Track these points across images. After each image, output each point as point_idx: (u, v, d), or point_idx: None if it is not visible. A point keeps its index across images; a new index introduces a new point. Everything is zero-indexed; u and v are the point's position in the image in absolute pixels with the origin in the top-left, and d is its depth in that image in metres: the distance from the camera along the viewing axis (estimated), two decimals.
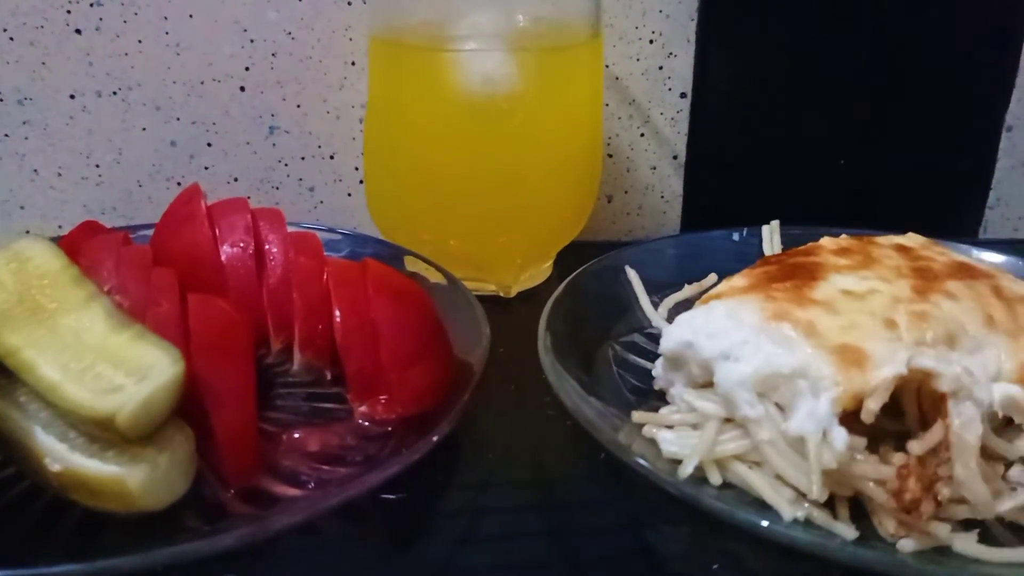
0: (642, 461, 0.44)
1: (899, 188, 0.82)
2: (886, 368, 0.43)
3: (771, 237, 0.68)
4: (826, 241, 0.58)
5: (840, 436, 0.42)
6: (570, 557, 0.45)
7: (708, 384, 0.48)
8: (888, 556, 0.40)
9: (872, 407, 0.42)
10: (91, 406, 0.40)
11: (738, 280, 0.53)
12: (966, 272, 0.51)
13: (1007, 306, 0.49)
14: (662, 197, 0.84)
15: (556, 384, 0.49)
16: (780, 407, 0.45)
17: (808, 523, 0.41)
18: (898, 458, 0.42)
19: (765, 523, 0.41)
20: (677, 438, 0.47)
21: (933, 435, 0.42)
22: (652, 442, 0.47)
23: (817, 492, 0.41)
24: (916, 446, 0.42)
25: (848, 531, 0.41)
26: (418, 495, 0.47)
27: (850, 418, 0.42)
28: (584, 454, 0.50)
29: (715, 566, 0.43)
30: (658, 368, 0.53)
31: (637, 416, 0.48)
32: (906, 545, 0.41)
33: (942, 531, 0.40)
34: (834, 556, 0.40)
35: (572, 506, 0.48)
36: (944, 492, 0.41)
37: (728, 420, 0.47)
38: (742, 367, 0.45)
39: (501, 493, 0.49)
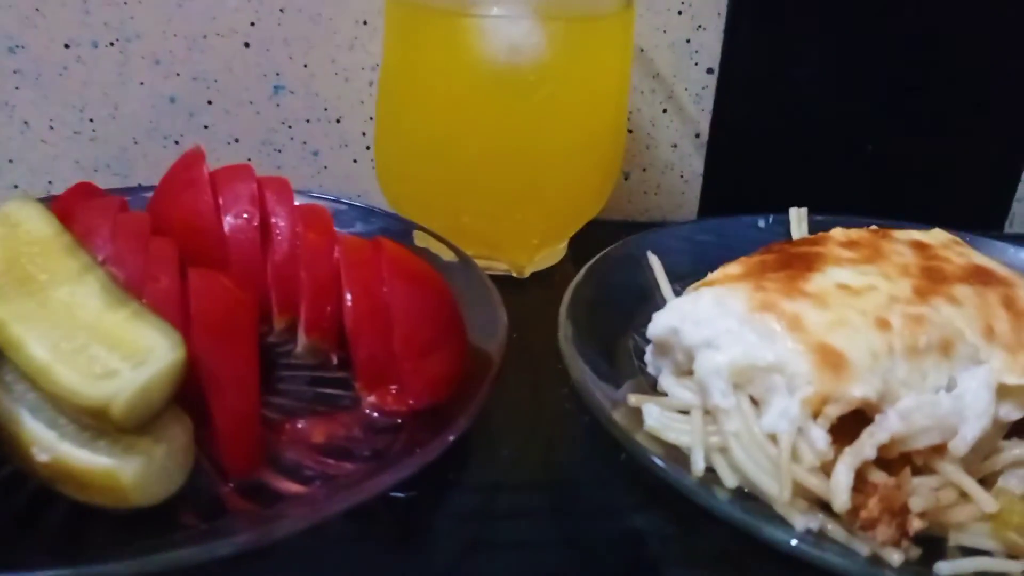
0: (657, 460, 0.42)
1: (926, 177, 0.79)
2: (858, 386, 0.41)
3: (799, 223, 0.65)
4: (836, 232, 0.56)
5: (820, 436, 0.41)
6: (587, 567, 0.42)
7: (692, 372, 0.46)
8: None
9: (831, 413, 0.41)
10: (84, 393, 0.37)
11: (733, 267, 0.51)
12: (980, 277, 0.49)
13: (1015, 318, 0.47)
14: (681, 177, 0.80)
15: (579, 381, 0.46)
16: (756, 401, 0.43)
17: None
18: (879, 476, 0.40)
19: (769, 531, 0.38)
20: (661, 416, 0.45)
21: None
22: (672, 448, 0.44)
23: (787, 495, 0.39)
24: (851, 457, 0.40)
25: (864, 549, 0.39)
26: (427, 494, 0.44)
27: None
28: (603, 453, 0.47)
29: None
30: (648, 354, 0.52)
31: (633, 399, 0.47)
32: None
33: (895, 558, 0.38)
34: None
35: (590, 512, 0.45)
36: (916, 524, 0.39)
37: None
38: (720, 356, 0.44)
39: (515, 495, 0.46)
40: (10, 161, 0.74)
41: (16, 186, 0.75)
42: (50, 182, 0.75)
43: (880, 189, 0.79)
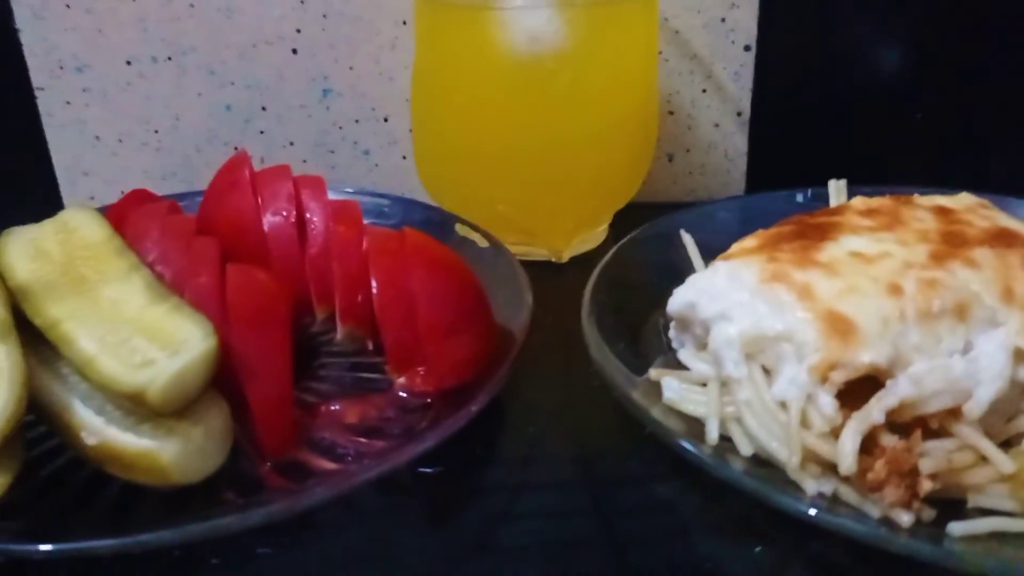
0: (685, 443, 0.42)
1: (978, 144, 0.77)
2: (866, 352, 0.42)
3: (838, 197, 0.65)
4: (856, 201, 0.55)
5: (828, 402, 0.41)
6: (611, 537, 0.43)
7: None
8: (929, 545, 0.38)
9: (837, 379, 0.41)
10: (122, 380, 0.40)
11: (749, 241, 0.52)
12: (1003, 239, 0.48)
13: None
14: (726, 155, 0.80)
15: (597, 358, 0.48)
16: (768, 371, 0.44)
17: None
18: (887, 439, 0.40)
19: (783, 499, 0.39)
20: (681, 388, 0.46)
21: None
22: (695, 420, 0.45)
23: (796, 460, 0.40)
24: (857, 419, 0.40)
25: (876, 511, 0.39)
26: (456, 469, 0.46)
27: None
28: (628, 428, 0.48)
29: (757, 549, 0.41)
30: (672, 330, 0.53)
31: (654, 373, 0.48)
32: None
33: (905, 519, 0.38)
34: (867, 540, 0.38)
35: (615, 483, 0.46)
36: (926, 485, 0.39)
37: None
38: (731, 327, 0.45)
39: (542, 468, 0.48)
40: (85, 174, 0.79)
41: (92, 197, 0.80)
42: (122, 191, 0.79)
43: (930, 158, 0.78)
